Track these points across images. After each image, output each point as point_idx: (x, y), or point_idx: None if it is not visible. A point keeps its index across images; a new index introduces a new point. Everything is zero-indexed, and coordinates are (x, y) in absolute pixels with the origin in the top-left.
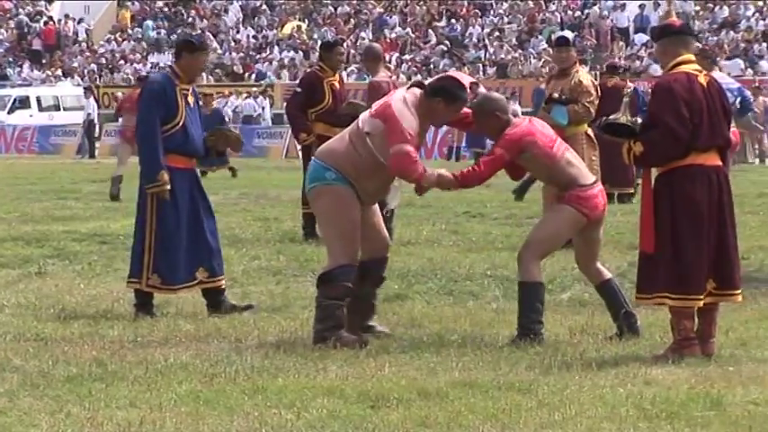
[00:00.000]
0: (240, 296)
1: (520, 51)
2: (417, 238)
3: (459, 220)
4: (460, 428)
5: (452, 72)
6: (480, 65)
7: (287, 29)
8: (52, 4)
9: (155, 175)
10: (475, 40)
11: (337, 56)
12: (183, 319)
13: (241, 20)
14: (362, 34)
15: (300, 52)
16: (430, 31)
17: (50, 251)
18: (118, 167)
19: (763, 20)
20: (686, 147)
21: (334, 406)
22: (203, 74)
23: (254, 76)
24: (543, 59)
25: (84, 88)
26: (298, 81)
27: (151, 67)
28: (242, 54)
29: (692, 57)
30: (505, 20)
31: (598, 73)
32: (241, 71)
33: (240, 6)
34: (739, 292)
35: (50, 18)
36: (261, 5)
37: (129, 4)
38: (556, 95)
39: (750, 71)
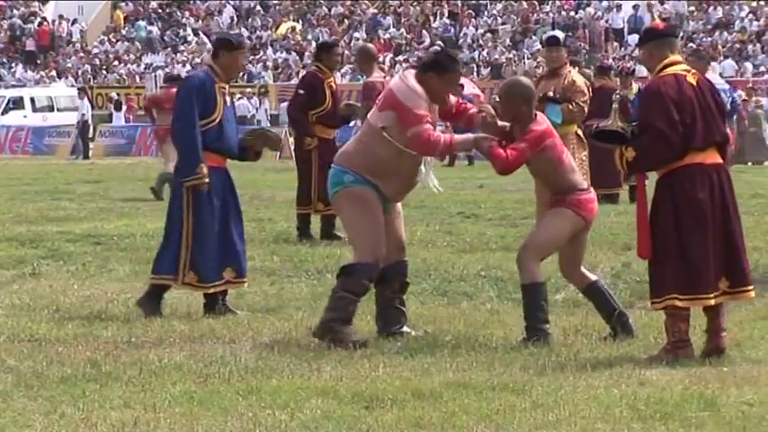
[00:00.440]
0: (234, 296)
1: (514, 52)
2: (411, 239)
3: (454, 220)
4: (454, 429)
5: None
6: (474, 65)
7: (281, 29)
8: (46, 4)
9: (194, 168)
10: (469, 40)
11: (335, 57)
12: (178, 320)
13: (235, 21)
14: (356, 35)
15: (294, 53)
16: (424, 31)
17: (45, 252)
18: (166, 165)
19: (757, 20)
20: (680, 149)
21: (328, 406)
22: None
23: (245, 77)
24: (538, 60)
25: (78, 89)
26: (297, 82)
27: (145, 68)
28: None
29: (679, 58)
30: (499, 21)
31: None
32: None
33: (234, 7)
34: (752, 288)
35: (44, 19)
36: (255, 6)
37: (122, 4)
38: (550, 94)
39: (745, 71)
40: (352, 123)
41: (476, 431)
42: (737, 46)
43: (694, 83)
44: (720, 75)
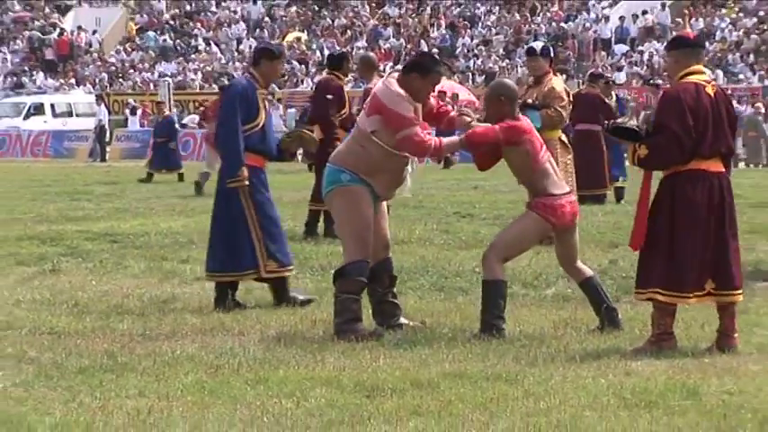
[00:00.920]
0: (243, 292)
1: (507, 61)
2: (410, 237)
3: (450, 220)
4: (451, 417)
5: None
6: (470, 73)
7: (288, 39)
8: (66, 16)
9: (236, 171)
10: (465, 50)
11: (349, 65)
12: (189, 314)
13: (245, 31)
14: (358, 44)
15: (296, 62)
16: (422, 41)
17: (64, 249)
18: (207, 167)
19: (737, 31)
20: (689, 153)
21: (331, 395)
22: (209, 81)
23: None
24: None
25: (96, 95)
26: (318, 89)
27: (159, 76)
28: (245, 64)
29: (702, 68)
30: (493, 31)
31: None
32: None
33: (243, 18)
34: (739, 292)
35: (63, 30)
36: (263, 18)
37: (137, 16)
38: (530, 101)
39: (725, 80)
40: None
41: (471, 418)
42: (719, 55)
43: (712, 94)
44: None
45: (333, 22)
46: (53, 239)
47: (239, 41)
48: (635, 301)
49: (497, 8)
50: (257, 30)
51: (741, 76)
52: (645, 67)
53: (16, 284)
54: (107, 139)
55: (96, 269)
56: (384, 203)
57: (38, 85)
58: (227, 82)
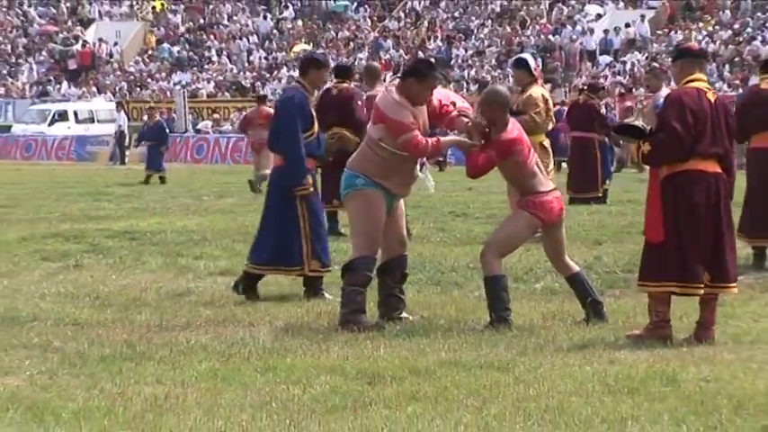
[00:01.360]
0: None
1: (499, 71)
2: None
3: (446, 219)
4: (447, 402)
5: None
6: (464, 82)
7: (295, 50)
8: (88, 29)
9: (302, 180)
10: (460, 61)
11: (354, 76)
12: (203, 306)
13: (255, 43)
14: (360, 55)
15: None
16: (420, 53)
17: (86, 246)
18: (261, 170)
19: (714, 43)
20: (688, 151)
21: (335, 382)
22: (221, 89)
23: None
24: None
25: (116, 103)
26: (352, 96)
27: (174, 85)
28: (255, 73)
29: (704, 76)
30: (486, 43)
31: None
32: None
33: (254, 31)
34: (734, 285)
35: (86, 41)
36: (272, 30)
37: (154, 29)
38: (513, 108)
39: None
40: None
41: (465, 404)
42: None
43: (712, 100)
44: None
45: (336, 34)
46: (76, 237)
47: (249, 53)
48: (618, 295)
49: (490, 21)
50: (266, 42)
51: (717, 86)
52: (627, 77)
53: (42, 279)
54: (126, 144)
55: (116, 265)
56: (401, 201)
57: (62, 94)
58: (262, 92)
